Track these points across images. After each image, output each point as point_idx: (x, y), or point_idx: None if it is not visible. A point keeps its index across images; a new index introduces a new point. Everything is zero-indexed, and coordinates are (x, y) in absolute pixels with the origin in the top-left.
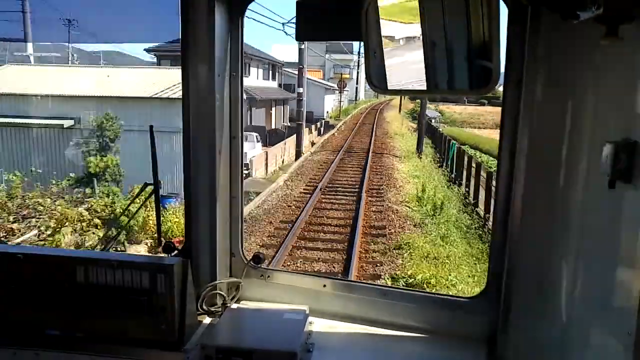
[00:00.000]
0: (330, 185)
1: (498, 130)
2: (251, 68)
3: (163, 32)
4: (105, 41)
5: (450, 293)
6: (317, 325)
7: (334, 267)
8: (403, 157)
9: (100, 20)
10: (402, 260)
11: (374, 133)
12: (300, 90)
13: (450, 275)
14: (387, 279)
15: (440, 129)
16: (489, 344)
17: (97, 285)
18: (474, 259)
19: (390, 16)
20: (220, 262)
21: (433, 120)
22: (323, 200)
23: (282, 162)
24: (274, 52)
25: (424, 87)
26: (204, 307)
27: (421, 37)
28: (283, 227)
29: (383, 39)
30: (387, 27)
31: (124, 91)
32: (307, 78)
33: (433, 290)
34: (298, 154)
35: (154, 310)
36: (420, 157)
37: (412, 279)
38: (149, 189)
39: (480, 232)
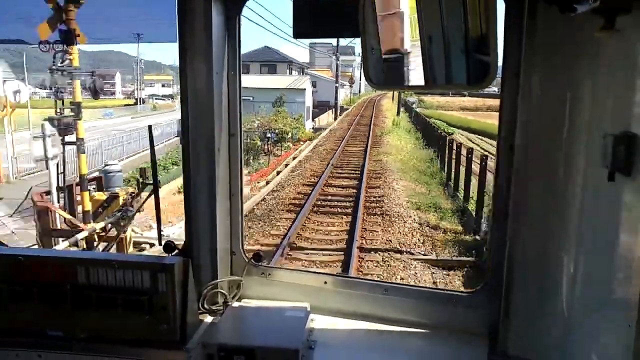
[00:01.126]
0: (355, 128)
1: (458, 112)
2: (293, 71)
3: (160, 32)
4: (102, 42)
5: (449, 288)
6: (319, 322)
7: (361, 154)
8: (389, 117)
9: (95, 20)
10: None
11: (374, 110)
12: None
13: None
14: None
15: (415, 108)
16: (490, 338)
17: (99, 285)
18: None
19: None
20: (221, 260)
21: (414, 105)
22: (353, 133)
23: (328, 121)
24: (283, 50)
25: (422, 83)
26: (205, 305)
27: (418, 32)
28: (339, 137)
29: (380, 35)
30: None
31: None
32: (323, 77)
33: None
34: (335, 117)
35: (156, 310)
36: (398, 115)
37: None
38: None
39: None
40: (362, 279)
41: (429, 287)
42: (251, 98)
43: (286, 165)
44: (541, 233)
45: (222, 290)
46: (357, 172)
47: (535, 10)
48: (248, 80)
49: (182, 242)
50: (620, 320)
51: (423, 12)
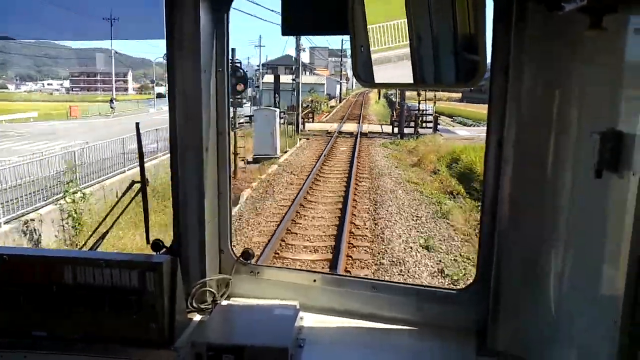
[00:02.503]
0: (353, 106)
1: (446, 102)
2: (307, 72)
3: (147, 29)
4: (87, 39)
5: (439, 285)
6: (308, 320)
7: (359, 112)
8: (373, 101)
9: (82, 17)
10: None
11: (364, 97)
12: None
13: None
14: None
15: (390, 96)
16: (479, 335)
17: (85, 285)
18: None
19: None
20: (210, 259)
21: (392, 95)
22: (353, 107)
23: (335, 104)
24: (291, 53)
25: (411, 81)
26: (194, 304)
27: (407, 31)
28: (346, 108)
29: (370, 33)
30: (373, 22)
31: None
32: (330, 77)
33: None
34: (340, 101)
35: (144, 309)
36: (379, 100)
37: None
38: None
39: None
40: (351, 276)
41: (418, 285)
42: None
43: (327, 115)
44: (529, 230)
45: (210, 289)
46: (358, 116)
47: (523, 8)
48: (289, 78)
49: (171, 241)
50: (606, 316)
51: (412, 11)
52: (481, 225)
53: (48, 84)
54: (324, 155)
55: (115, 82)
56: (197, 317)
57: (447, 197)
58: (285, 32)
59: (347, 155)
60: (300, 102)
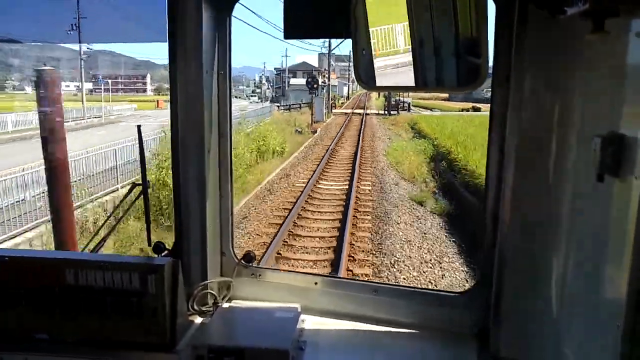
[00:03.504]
0: (359, 102)
1: (441, 100)
2: (319, 76)
3: (149, 31)
4: (88, 41)
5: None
6: (309, 322)
7: (362, 107)
8: (375, 99)
9: (83, 19)
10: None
11: (367, 96)
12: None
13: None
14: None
15: (386, 94)
16: (480, 338)
17: (87, 287)
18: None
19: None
20: (211, 261)
21: (386, 93)
22: (358, 103)
23: (344, 101)
24: (299, 60)
25: (412, 84)
26: (195, 307)
27: (409, 35)
28: (354, 103)
29: (372, 37)
30: (375, 25)
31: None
32: (338, 80)
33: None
34: (348, 98)
35: (145, 312)
36: (378, 98)
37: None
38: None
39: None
40: (352, 279)
41: (419, 288)
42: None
43: (341, 106)
44: (531, 234)
45: (212, 291)
46: (362, 109)
47: (525, 13)
48: (304, 81)
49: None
50: (609, 321)
51: (414, 15)
52: (483, 230)
53: (66, 86)
54: (346, 122)
55: (135, 84)
56: (198, 320)
57: (401, 130)
58: (287, 35)
59: (359, 121)
60: (329, 96)
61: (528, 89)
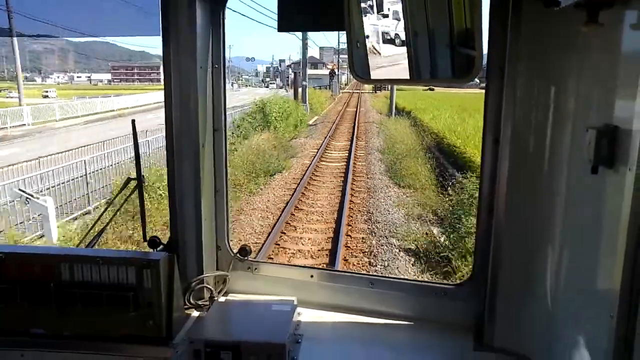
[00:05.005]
0: (356, 87)
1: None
2: (324, 67)
3: (142, 26)
4: (82, 35)
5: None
6: (305, 315)
7: (357, 92)
8: (369, 90)
9: (76, 14)
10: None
11: (361, 87)
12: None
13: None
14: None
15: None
16: (476, 330)
17: (83, 282)
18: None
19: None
20: (207, 255)
21: None
22: (355, 88)
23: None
24: (310, 53)
25: (407, 77)
26: (192, 301)
27: (403, 27)
28: (351, 87)
29: (365, 29)
30: (369, 18)
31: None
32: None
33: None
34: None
35: (141, 306)
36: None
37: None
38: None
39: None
40: (348, 272)
41: (415, 280)
42: (321, 78)
43: (344, 88)
44: (526, 226)
45: (208, 286)
46: (359, 90)
47: (519, 4)
48: (317, 72)
49: (168, 238)
50: (603, 311)
51: (408, 6)
52: (478, 222)
53: (77, 77)
54: (350, 96)
55: (149, 74)
56: (194, 314)
57: (381, 98)
58: (281, 28)
59: (357, 96)
60: (338, 81)
61: (522, 81)
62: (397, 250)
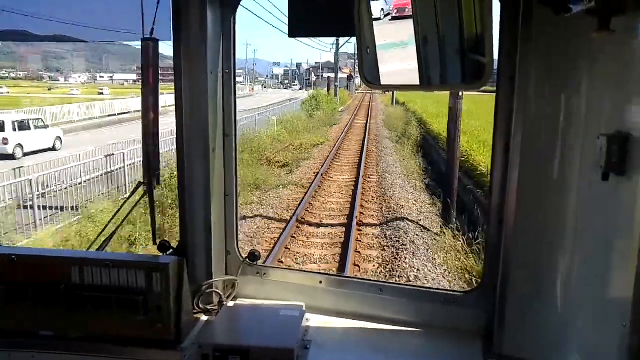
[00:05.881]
0: (368, 91)
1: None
2: (342, 72)
3: (154, 31)
4: (93, 40)
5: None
6: (314, 321)
7: (370, 92)
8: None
9: (86, 18)
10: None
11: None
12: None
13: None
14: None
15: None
16: (485, 338)
17: (92, 285)
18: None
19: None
20: (216, 260)
21: None
22: (367, 93)
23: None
24: (324, 58)
25: (417, 83)
26: (201, 305)
27: (414, 32)
28: (363, 93)
29: (376, 35)
30: (380, 24)
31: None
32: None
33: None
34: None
35: (150, 310)
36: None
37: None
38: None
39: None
40: (357, 278)
41: (424, 287)
42: (340, 80)
43: (358, 89)
44: (536, 233)
45: (217, 290)
46: (371, 91)
47: (530, 11)
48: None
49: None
50: (615, 320)
51: (418, 12)
52: (488, 229)
53: (100, 77)
54: (364, 95)
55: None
56: (203, 318)
57: (388, 96)
58: (292, 33)
59: (370, 96)
60: (354, 83)
61: (533, 87)
62: (386, 140)
